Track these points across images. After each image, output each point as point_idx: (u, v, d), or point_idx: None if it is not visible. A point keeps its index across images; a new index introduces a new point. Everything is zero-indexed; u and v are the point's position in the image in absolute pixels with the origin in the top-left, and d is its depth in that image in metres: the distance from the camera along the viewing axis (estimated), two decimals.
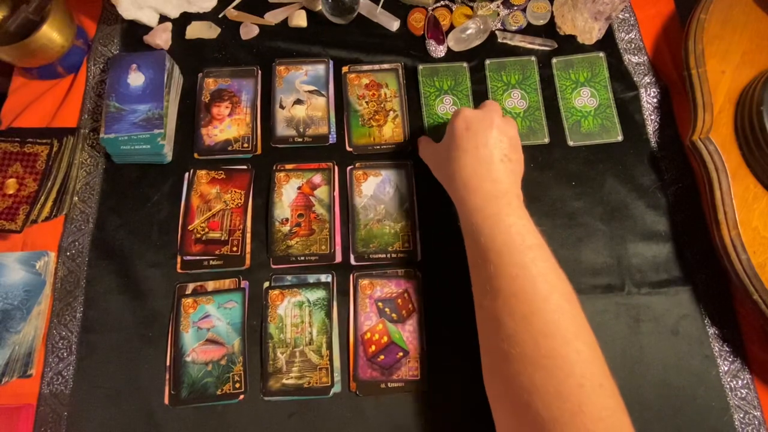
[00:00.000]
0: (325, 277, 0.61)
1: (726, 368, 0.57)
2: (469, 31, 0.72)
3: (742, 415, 0.55)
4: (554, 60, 0.72)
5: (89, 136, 0.69)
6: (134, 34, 0.75)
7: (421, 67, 0.72)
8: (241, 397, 0.56)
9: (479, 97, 0.71)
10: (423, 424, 0.55)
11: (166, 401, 0.56)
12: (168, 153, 0.67)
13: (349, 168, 0.67)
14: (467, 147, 0.53)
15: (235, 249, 0.62)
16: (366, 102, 0.70)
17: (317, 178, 0.66)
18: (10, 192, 0.63)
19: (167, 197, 0.65)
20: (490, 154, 0.52)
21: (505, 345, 0.42)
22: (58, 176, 0.65)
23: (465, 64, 0.72)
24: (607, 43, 0.73)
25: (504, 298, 0.44)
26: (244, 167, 0.67)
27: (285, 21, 0.76)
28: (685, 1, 0.75)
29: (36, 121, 0.70)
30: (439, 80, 0.71)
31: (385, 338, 0.58)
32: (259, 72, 0.72)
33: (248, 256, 0.62)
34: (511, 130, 0.56)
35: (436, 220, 0.63)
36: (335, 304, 0.60)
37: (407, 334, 0.59)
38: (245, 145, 0.68)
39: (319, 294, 0.60)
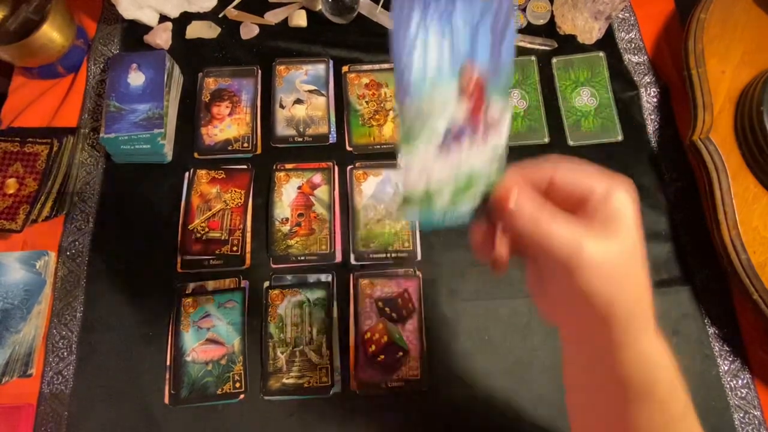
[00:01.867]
0: (325, 277, 0.61)
1: (726, 368, 0.57)
2: None
3: (742, 415, 0.55)
4: (554, 60, 0.72)
5: (89, 136, 0.69)
6: (134, 33, 0.75)
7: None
8: (242, 396, 0.56)
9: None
10: (423, 423, 0.55)
11: (166, 401, 0.56)
12: (168, 153, 0.67)
13: (349, 168, 0.67)
14: (641, 242, 0.33)
15: (235, 249, 0.62)
16: (366, 102, 0.70)
17: (317, 178, 0.66)
18: (11, 192, 0.63)
19: (167, 197, 0.65)
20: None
21: None
22: (58, 176, 0.65)
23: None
24: (607, 42, 0.73)
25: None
26: (244, 167, 0.67)
27: (285, 21, 0.76)
28: (685, 0, 0.75)
29: (36, 120, 0.70)
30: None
31: (385, 338, 0.58)
32: (259, 72, 0.72)
33: (248, 256, 0.62)
34: None
35: None
36: (335, 303, 0.60)
37: (407, 333, 0.59)
38: (245, 144, 0.68)
39: (319, 293, 0.60)
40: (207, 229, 0.63)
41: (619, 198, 0.31)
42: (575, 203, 0.32)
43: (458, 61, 0.27)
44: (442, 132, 0.29)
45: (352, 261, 0.62)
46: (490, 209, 0.32)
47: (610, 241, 0.31)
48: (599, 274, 0.30)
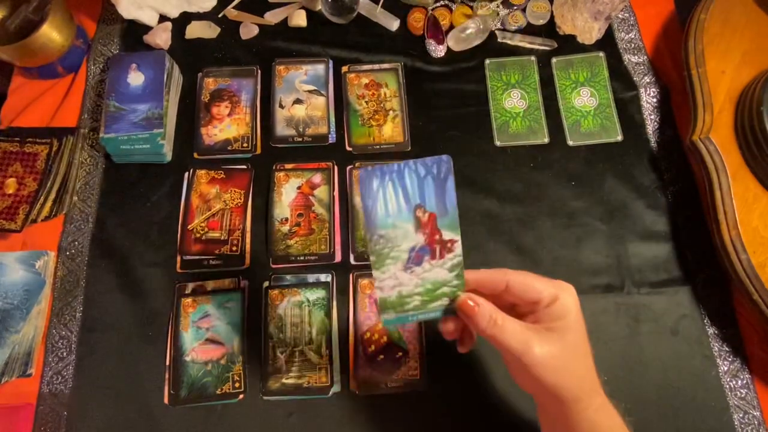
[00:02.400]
0: (324, 277, 0.61)
1: (725, 368, 0.57)
2: (468, 31, 0.72)
3: (741, 415, 0.55)
4: (554, 60, 0.72)
5: (89, 136, 0.69)
6: (134, 33, 0.75)
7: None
8: (241, 396, 0.56)
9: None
10: (423, 424, 0.55)
11: (166, 400, 0.56)
12: (168, 152, 0.67)
13: (348, 168, 0.67)
14: (583, 337, 0.41)
15: (234, 248, 0.62)
16: (366, 102, 0.70)
17: (317, 178, 0.66)
18: (10, 191, 0.63)
19: (167, 197, 0.65)
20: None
21: None
22: (58, 176, 0.65)
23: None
24: (607, 42, 0.73)
25: None
26: (244, 167, 0.67)
27: (285, 21, 0.76)
28: (685, 1, 0.75)
29: (36, 120, 0.70)
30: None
31: (385, 338, 0.58)
32: (259, 72, 0.72)
33: (248, 256, 0.62)
34: None
35: None
36: (335, 303, 0.60)
37: (407, 333, 0.59)
38: (245, 144, 0.68)
39: (319, 294, 0.60)
40: (206, 229, 0.63)
41: (563, 301, 0.39)
42: (527, 305, 0.40)
43: (412, 205, 0.37)
44: (406, 254, 0.38)
45: (352, 261, 0.62)
46: (455, 308, 0.40)
47: (555, 341, 0.38)
48: (546, 367, 0.38)
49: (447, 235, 0.38)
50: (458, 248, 0.39)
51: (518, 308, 0.41)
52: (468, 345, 0.45)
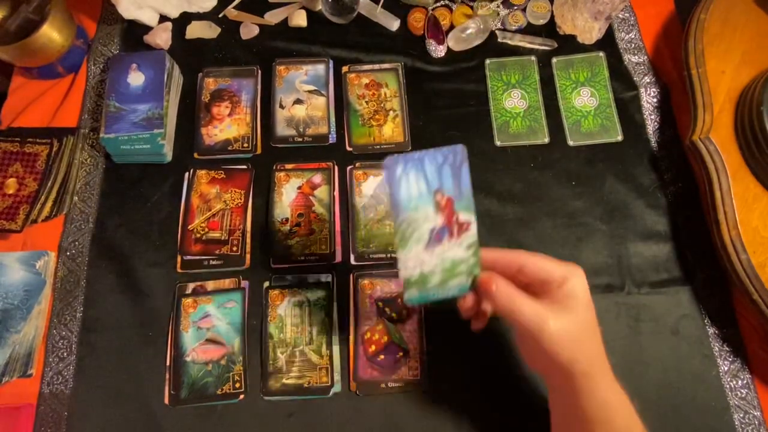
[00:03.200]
0: (325, 277, 0.61)
1: (726, 368, 0.57)
2: (469, 31, 0.72)
3: (741, 415, 0.55)
4: (554, 60, 0.72)
5: (89, 136, 0.69)
6: (134, 33, 0.75)
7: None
8: (241, 396, 0.56)
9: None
10: (423, 424, 0.55)
11: (166, 401, 0.56)
12: (168, 153, 0.67)
13: (349, 168, 0.67)
14: (593, 315, 0.43)
15: (235, 249, 0.62)
16: (366, 102, 0.70)
17: (317, 178, 0.66)
18: (10, 192, 0.63)
19: (167, 197, 0.65)
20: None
21: None
22: (58, 176, 0.65)
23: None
24: (607, 42, 0.73)
25: None
26: (244, 167, 0.67)
27: (285, 21, 0.76)
28: (685, 1, 0.75)
29: (36, 120, 0.70)
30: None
31: (385, 338, 0.58)
32: (259, 72, 0.72)
33: (248, 256, 0.62)
34: None
35: None
36: (335, 303, 0.60)
37: (407, 333, 0.59)
38: (245, 144, 0.68)
39: (319, 294, 0.60)
40: (207, 229, 0.63)
41: (574, 282, 0.42)
42: (539, 285, 0.43)
43: (431, 189, 0.41)
44: (427, 235, 0.41)
45: (352, 261, 0.62)
46: (475, 287, 0.43)
47: (567, 317, 0.41)
48: (559, 341, 0.40)
49: (463, 216, 0.42)
50: (473, 228, 0.42)
51: (531, 288, 0.43)
52: (482, 323, 0.47)
